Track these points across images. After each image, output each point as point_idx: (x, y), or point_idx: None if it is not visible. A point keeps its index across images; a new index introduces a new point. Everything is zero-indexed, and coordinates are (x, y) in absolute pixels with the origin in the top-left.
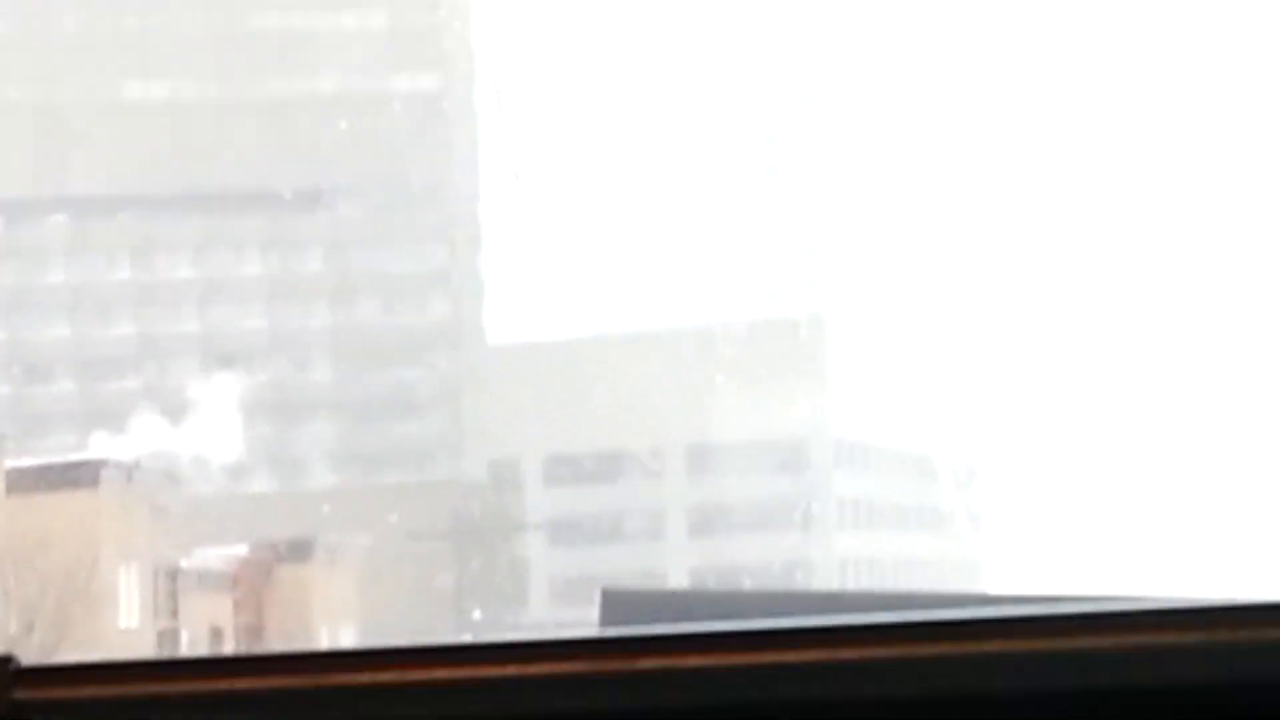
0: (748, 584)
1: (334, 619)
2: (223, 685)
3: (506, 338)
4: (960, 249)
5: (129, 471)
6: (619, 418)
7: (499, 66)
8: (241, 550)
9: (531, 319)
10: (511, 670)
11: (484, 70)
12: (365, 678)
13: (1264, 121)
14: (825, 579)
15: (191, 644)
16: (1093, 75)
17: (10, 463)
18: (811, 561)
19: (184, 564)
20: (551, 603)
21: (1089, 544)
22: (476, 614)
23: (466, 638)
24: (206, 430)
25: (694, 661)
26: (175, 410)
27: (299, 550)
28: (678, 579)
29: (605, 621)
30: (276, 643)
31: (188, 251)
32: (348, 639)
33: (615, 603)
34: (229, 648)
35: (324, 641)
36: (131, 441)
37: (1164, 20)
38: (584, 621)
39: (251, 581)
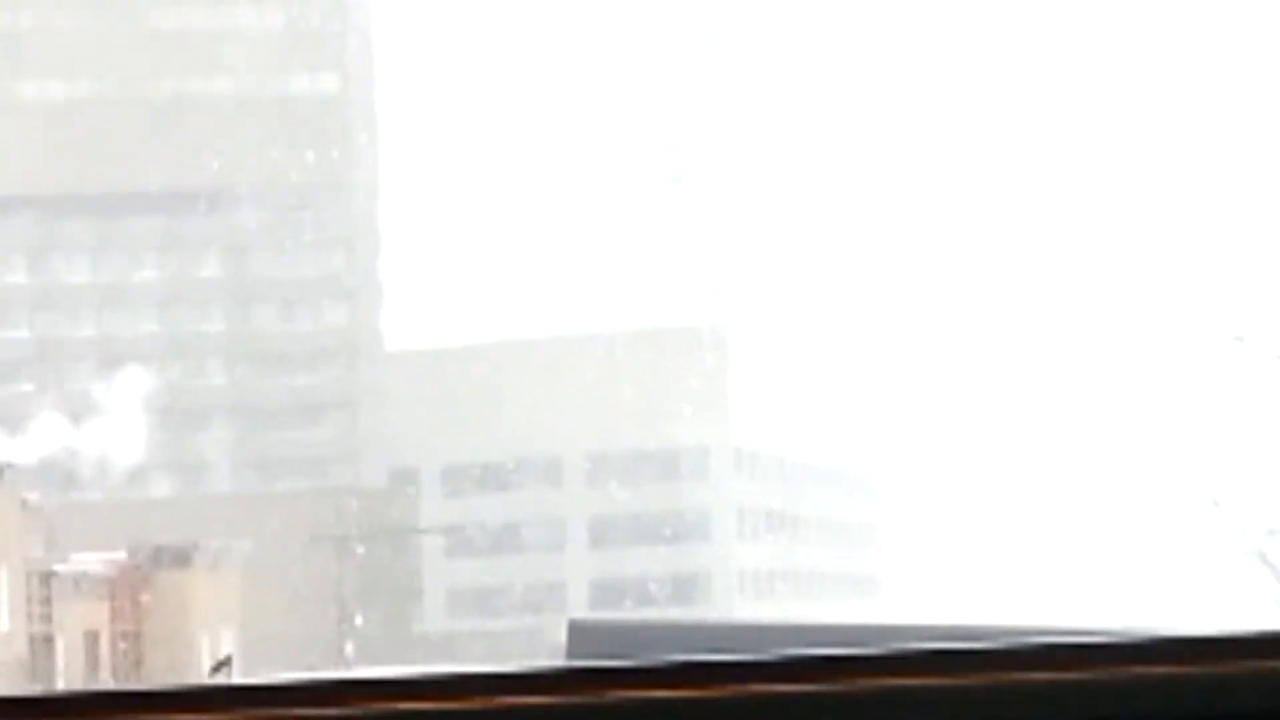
0: (650, 592)
1: (214, 625)
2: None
3: (405, 344)
4: (865, 259)
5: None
6: (519, 426)
7: (400, 69)
8: (120, 555)
9: (431, 325)
10: (478, 703)
11: (384, 72)
12: (331, 711)
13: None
14: (725, 590)
15: (66, 649)
16: (986, 79)
17: None
18: (711, 573)
19: (59, 568)
20: (448, 612)
21: (987, 561)
22: (359, 620)
23: (349, 647)
24: (101, 434)
25: (662, 694)
26: (69, 413)
27: (180, 556)
28: (577, 590)
29: (572, 653)
30: (153, 648)
31: (84, 254)
32: (227, 645)
33: (582, 634)
34: (105, 653)
35: (202, 646)
36: (23, 444)
37: (1061, 42)
38: (479, 632)
39: (130, 587)
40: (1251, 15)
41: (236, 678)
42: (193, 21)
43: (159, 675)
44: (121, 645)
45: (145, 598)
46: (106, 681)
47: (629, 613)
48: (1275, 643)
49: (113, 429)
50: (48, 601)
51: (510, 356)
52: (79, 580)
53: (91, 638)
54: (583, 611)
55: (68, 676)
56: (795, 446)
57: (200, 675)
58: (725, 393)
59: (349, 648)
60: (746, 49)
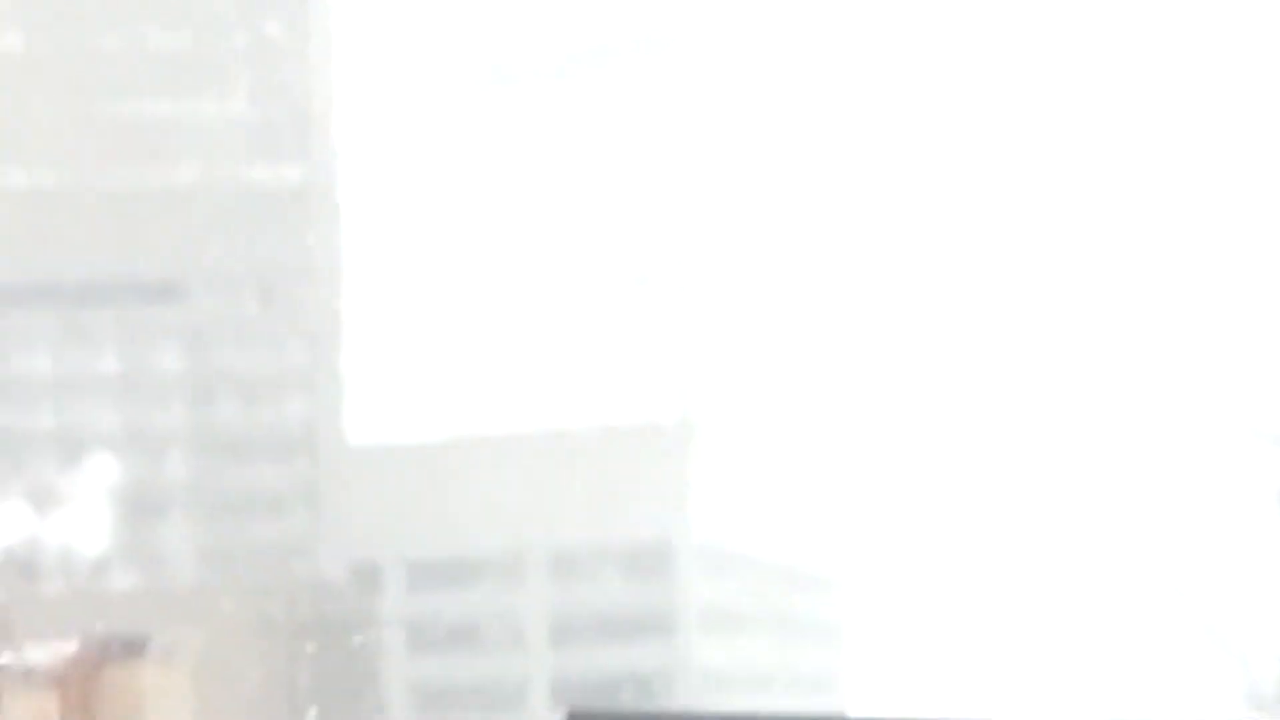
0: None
1: (165, 718)
2: None
3: (367, 438)
4: (827, 361)
5: None
6: (480, 522)
7: (365, 160)
8: (70, 646)
9: (393, 420)
10: None
11: (348, 163)
12: None
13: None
14: (686, 689)
15: None
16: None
17: None
18: (673, 671)
19: (8, 659)
20: (406, 708)
21: (944, 660)
22: (312, 714)
23: None
24: (59, 525)
25: None
26: (29, 505)
27: (132, 647)
28: (539, 687)
29: None
30: None
31: (44, 344)
32: None
33: None
34: None
35: None
36: None
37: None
38: None
39: (80, 678)
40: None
41: None
42: (154, 109)
43: None
44: None
45: (96, 690)
46: None
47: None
48: None
49: (73, 520)
50: None
51: (473, 452)
52: (29, 672)
53: None
54: (542, 709)
55: None
56: (758, 544)
57: None
58: (688, 489)
59: None
60: (713, 148)
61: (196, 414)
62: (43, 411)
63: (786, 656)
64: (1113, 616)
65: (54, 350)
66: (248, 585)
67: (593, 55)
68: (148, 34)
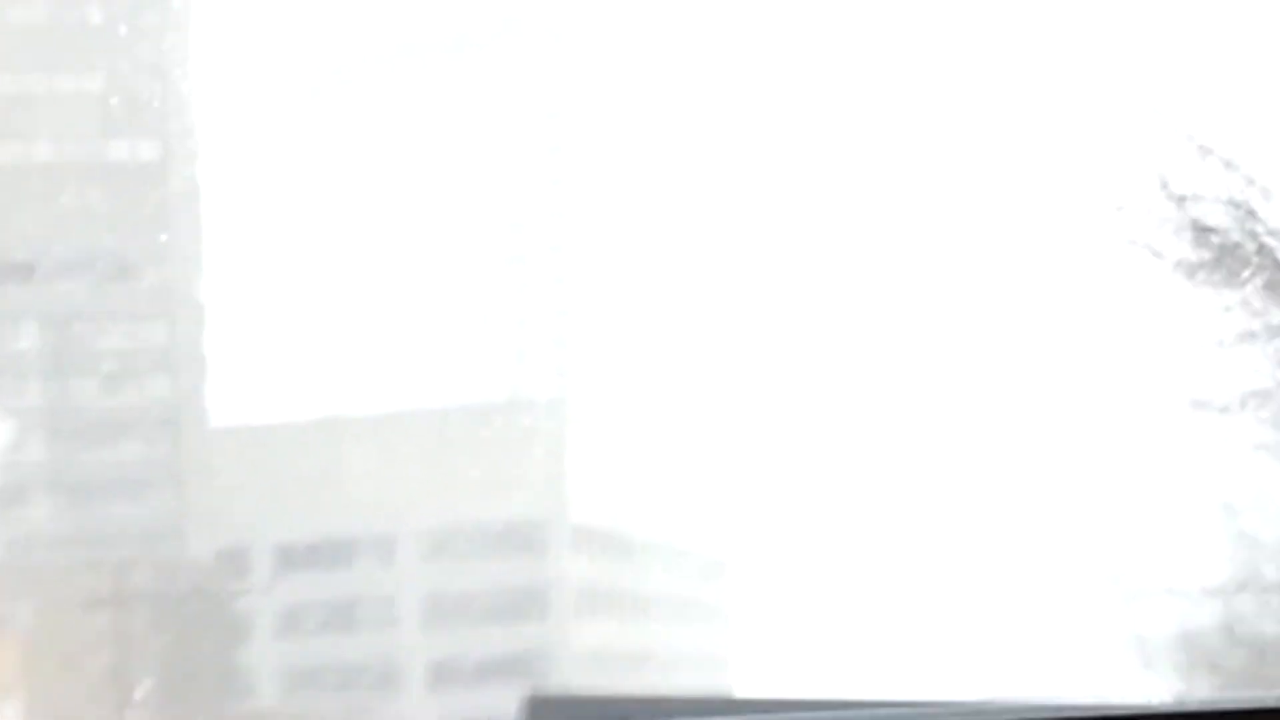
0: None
1: None
2: None
3: (232, 419)
4: (711, 337)
5: None
6: (351, 503)
7: (225, 138)
8: None
9: (258, 400)
10: None
11: (208, 139)
12: None
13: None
14: (565, 671)
15: None
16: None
17: None
18: (551, 653)
19: None
20: (278, 690)
21: (838, 643)
22: (137, 694)
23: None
24: None
25: None
26: None
27: None
28: (412, 671)
29: None
30: None
31: None
32: (10, 715)
33: (542, 710)
34: None
35: None
36: None
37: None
38: (308, 712)
39: None
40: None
41: None
42: (4, 86)
43: None
44: None
45: None
46: None
47: (465, 691)
48: None
49: None
50: None
51: (340, 432)
52: None
53: None
54: (416, 691)
55: None
56: (638, 524)
57: None
58: (564, 467)
59: None
60: (590, 130)
61: (54, 395)
62: None
63: (669, 637)
64: (1011, 593)
65: None
66: (104, 560)
67: (473, 34)
68: (1, 7)
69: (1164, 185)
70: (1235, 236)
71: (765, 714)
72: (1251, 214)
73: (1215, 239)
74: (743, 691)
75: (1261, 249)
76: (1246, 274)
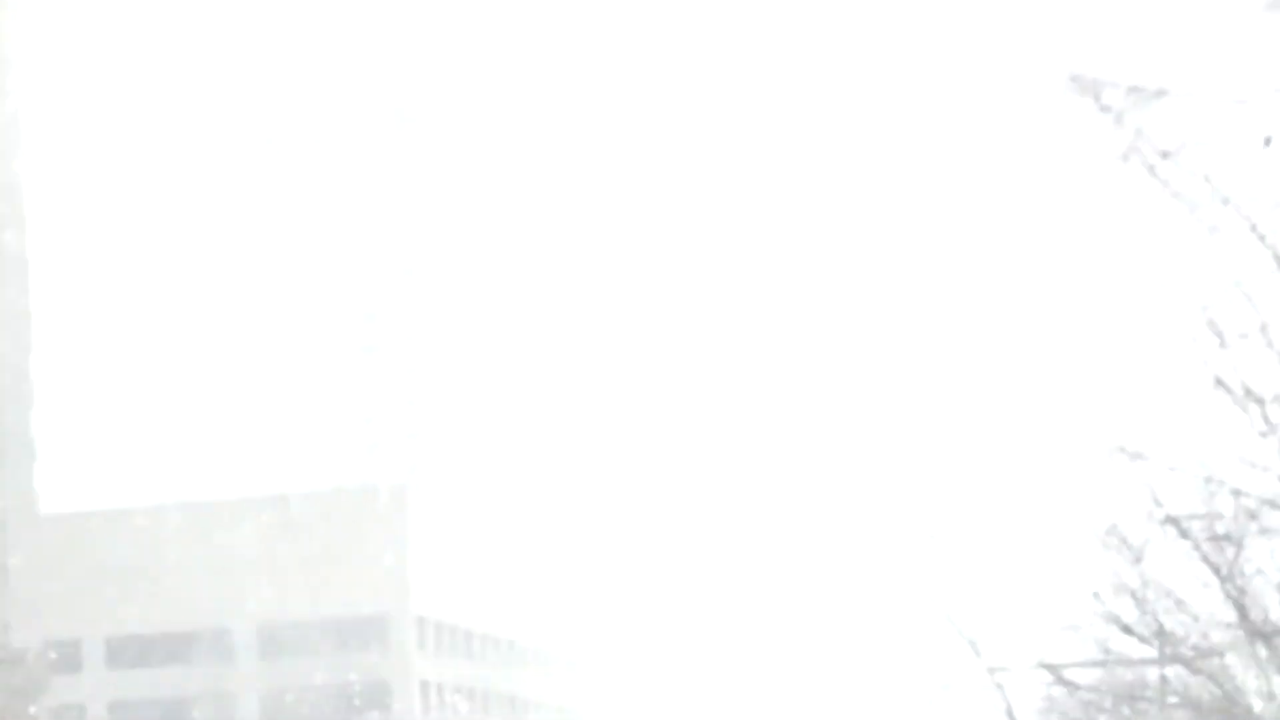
0: None
1: None
2: None
3: (63, 506)
4: (557, 432)
5: None
6: (187, 593)
7: (54, 219)
8: None
9: (90, 486)
10: None
11: (36, 217)
12: None
13: None
14: None
15: None
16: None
17: None
18: None
19: None
20: None
21: None
22: None
23: None
24: None
25: None
26: None
27: None
28: None
29: None
30: None
31: None
32: None
33: None
34: None
35: None
36: None
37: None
38: None
39: None
40: None
41: None
42: None
43: None
44: None
45: None
46: None
47: None
48: None
49: None
50: None
51: (175, 519)
52: None
53: None
54: None
55: None
56: (480, 618)
57: None
58: (406, 557)
59: None
60: (445, 220)
61: None
62: None
63: None
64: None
65: None
66: None
67: (329, 123)
68: None
69: None
70: None
71: None
72: None
73: None
74: None
75: None
76: None
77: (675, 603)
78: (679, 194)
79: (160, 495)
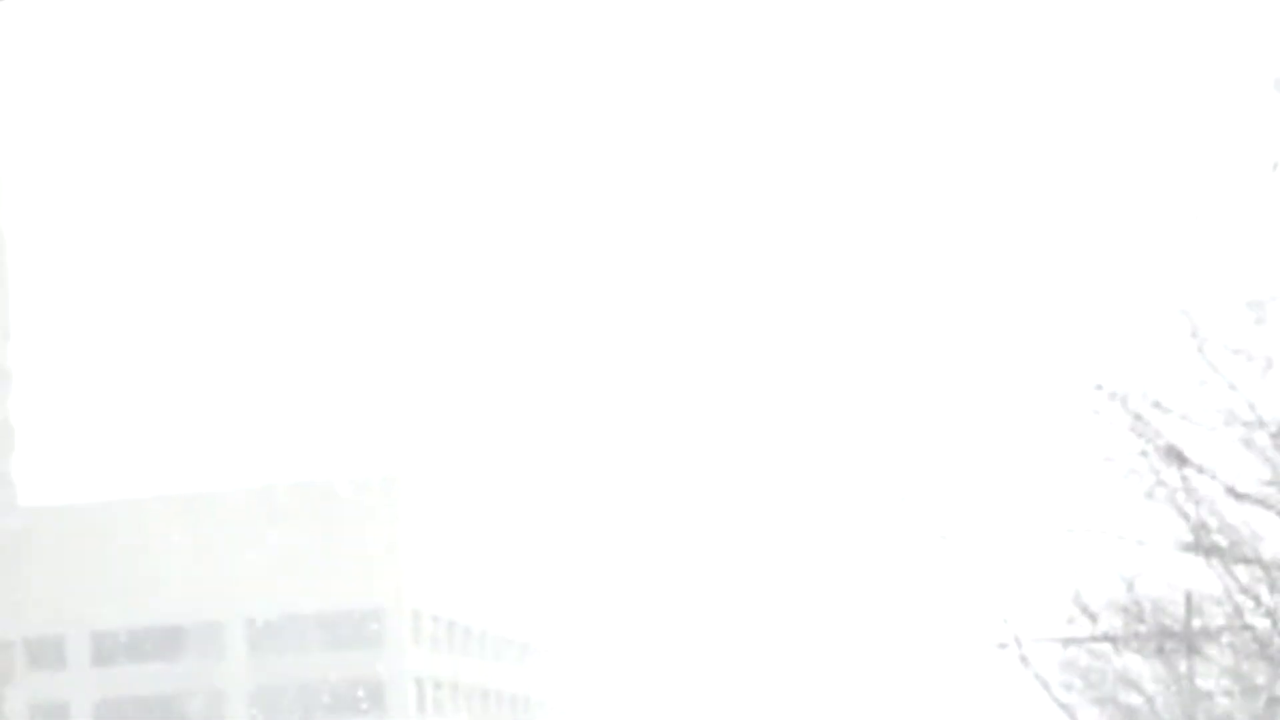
0: None
1: None
2: None
3: (43, 498)
4: (553, 424)
5: None
6: (175, 588)
7: (34, 206)
8: None
9: (72, 477)
10: None
11: (14, 204)
12: None
13: None
14: None
15: None
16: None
17: None
18: None
19: None
20: None
21: None
22: None
23: None
24: None
25: None
26: None
27: None
28: None
29: None
30: None
31: None
32: None
33: None
34: None
35: None
36: None
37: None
38: None
39: None
40: None
41: None
42: None
43: None
44: None
45: None
46: None
47: None
48: None
49: None
50: None
51: (163, 512)
52: None
53: None
54: None
55: None
56: (478, 615)
57: None
58: (399, 554)
59: None
60: (433, 220)
61: None
62: None
63: None
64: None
65: None
66: None
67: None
68: None
69: None
70: None
71: None
72: None
73: None
74: None
75: None
76: None
77: (672, 596)
78: (678, 194)
79: (146, 486)
